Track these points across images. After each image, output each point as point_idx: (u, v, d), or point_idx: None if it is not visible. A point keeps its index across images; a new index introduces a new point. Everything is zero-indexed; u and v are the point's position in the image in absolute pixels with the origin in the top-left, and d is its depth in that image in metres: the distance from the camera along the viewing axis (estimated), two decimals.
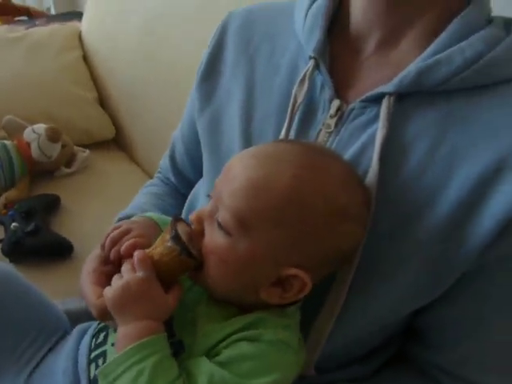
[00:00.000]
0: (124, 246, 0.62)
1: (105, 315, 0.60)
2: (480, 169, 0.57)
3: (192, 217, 0.60)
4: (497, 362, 0.67)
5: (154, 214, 0.76)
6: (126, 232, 0.66)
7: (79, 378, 0.66)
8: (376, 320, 0.66)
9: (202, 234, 0.59)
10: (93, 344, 0.68)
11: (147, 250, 0.60)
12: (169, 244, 0.58)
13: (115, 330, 0.65)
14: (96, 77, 1.70)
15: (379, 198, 0.59)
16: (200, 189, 0.84)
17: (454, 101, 0.60)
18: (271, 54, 0.72)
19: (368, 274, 0.61)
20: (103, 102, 1.69)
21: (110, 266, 0.66)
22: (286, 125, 0.66)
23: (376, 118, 0.62)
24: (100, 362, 0.65)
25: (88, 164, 1.48)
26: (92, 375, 0.65)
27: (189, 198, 0.87)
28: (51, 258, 1.15)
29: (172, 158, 0.95)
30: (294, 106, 0.66)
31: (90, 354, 0.67)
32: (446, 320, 0.65)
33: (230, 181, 0.57)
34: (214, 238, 0.57)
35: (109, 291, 0.57)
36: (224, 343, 0.56)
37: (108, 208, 1.32)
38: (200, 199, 0.82)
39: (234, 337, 0.55)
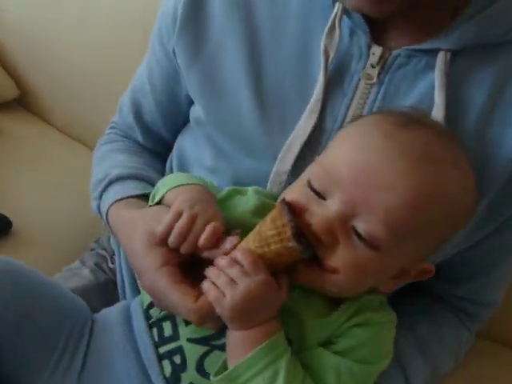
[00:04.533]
0: (203, 239, 0.54)
1: (207, 320, 0.53)
2: None
3: (319, 226, 0.52)
4: (504, 280, 0.75)
5: (189, 176, 0.65)
6: (193, 219, 0.55)
7: (149, 377, 0.58)
8: None
9: (334, 244, 0.52)
10: (156, 336, 0.59)
11: (246, 241, 0.53)
12: (290, 244, 0.51)
13: (186, 323, 0.57)
14: None
15: None
16: (186, 148, 0.77)
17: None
18: (271, 2, 0.65)
19: None
20: None
21: (175, 255, 0.56)
22: (321, 79, 0.60)
23: (424, 70, 0.59)
24: (176, 359, 0.57)
25: None
26: (168, 373, 0.57)
27: (175, 159, 0.78)
28: None
29: (137, 115, 0.83)
30: (327, 61, 0.60)
31: (157, 348, 0.58)
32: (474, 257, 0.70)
33: (381, 188, 0.51)
34: (355, 253, 0.52)
35: (225, 300, 0.50)
36: (337, 332, 0.55)
37: (37, 176, 1.16)
38: (190, 159, 0.75)
39: (346, 325, 0.55)
